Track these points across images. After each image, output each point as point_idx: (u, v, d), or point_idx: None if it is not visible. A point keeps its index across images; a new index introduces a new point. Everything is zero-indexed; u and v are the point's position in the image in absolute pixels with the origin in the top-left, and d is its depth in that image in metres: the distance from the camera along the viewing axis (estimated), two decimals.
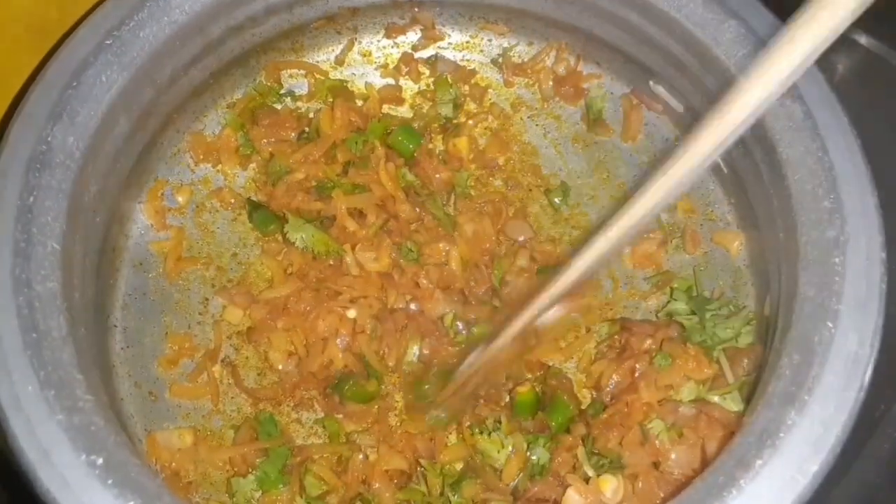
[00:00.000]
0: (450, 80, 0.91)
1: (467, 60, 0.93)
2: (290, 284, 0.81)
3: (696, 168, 0.49)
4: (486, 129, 0.91)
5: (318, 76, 0.91)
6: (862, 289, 0.61)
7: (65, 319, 0.61)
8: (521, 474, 0.72)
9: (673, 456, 0.66)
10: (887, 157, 0.70)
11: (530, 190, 0.88)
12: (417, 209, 0.84)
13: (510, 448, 0.72)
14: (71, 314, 0.63)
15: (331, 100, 0.89)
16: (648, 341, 0.72)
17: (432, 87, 0.92)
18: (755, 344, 0.73)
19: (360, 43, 0.92)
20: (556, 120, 0.91)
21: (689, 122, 0.85)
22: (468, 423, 0.75)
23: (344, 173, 0.85)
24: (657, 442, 0.66)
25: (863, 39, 0.97)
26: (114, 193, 0.77)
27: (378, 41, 0.93)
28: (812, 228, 0.65)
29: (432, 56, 0.93)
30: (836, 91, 0.70)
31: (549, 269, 0.83)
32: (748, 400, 0.69)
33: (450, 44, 0.93)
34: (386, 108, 0.91)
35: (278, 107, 0.90)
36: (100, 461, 0.55)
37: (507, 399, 0.77)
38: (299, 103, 0.90)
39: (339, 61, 0.92)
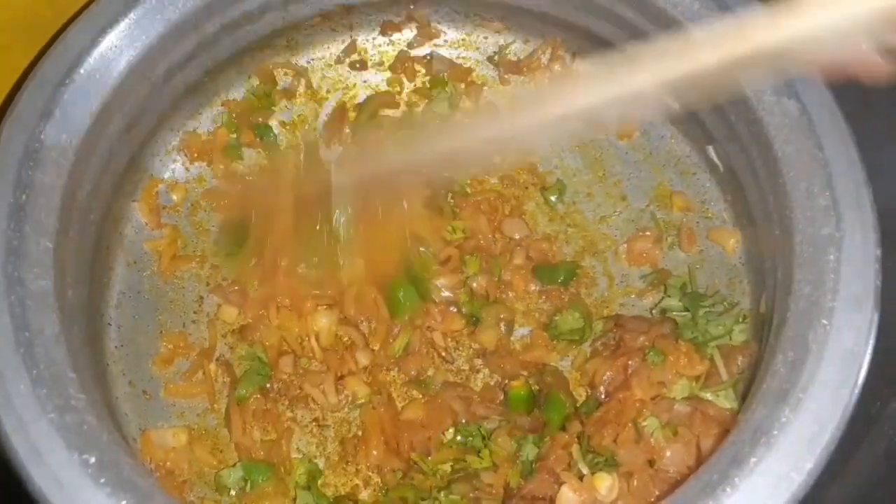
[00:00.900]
0: (445, 77, 0.91)
1: (463, 58, 0.93)
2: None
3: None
4: None
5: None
6: (857, 286, 0.61)
7: (57, 318, 0.61)
8: (513, 472, 0.71)
9: (668, 454, 0.66)
10: (882, 155, 0.70)
11: (526, 188, 0.88)
12: None
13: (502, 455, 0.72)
14: (64, 312, 0.62)
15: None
16: (642, 338, 0.72)
17: (428, 84, 0.92)
18: (749, 341, 0.73)
19: (355, 40, 0.92)
20: None
21: (685, 119, 0.85)
22: (464, 420, 0.75)
23: None
24: (652, 440, 0.66)
25: None
26: (107, 191, 0.77)
27: (373, 38, 0.93)
28: (807, 226, 0.65)
29: (428, 54, 0.93)
30: (831, 88, 0.69)
31: (545, 268, 0.83)
32: (743, 397, 0.69)
33: (445, 41, 0.93)
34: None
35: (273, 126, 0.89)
36: (92, 460, 0.55)
37: (502, 397, 0.77)
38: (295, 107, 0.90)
39: (337, 59, 0.92)
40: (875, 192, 0.65)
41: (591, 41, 0.88)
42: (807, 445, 0.56)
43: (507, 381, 0.78)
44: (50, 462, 0.55)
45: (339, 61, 0.92)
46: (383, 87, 0.92)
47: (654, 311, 0.81)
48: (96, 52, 0.72)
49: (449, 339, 0.80)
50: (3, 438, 0.56)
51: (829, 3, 0.46)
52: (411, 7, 0.90)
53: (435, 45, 0.93)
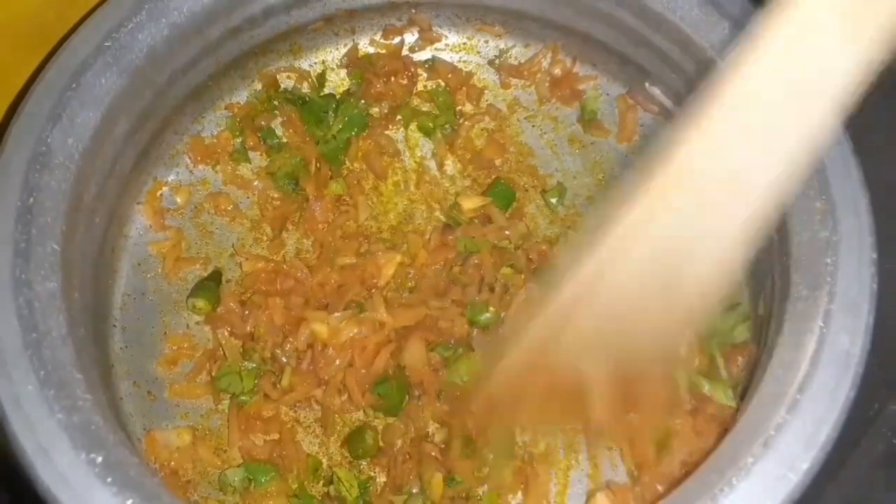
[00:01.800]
0: (446, 82, 0.92)
1: (464, 62, 0.94)
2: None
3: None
4: (482, 130, 0.92)
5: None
6: (853, 289, 0.62)
7: (64, 319, 0.62)
8: None
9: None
10: (879, 158, 0.70)
11: (526, 190, 0.89)
12: None
13: None
14: (71, 314, 0.63)
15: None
16: None
17: (429, 88, 0.93)
18: (749, 342, 0.73)
19: (357, 44, 0.93)
20: (552, 121, 0.92)
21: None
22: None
23: None
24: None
25: None
26: (113, 194, 0.78)
27: (376, 43, 0.93)
28: (804, 229, 0.65)
29: (429, 58, 0.93)
30: None
31: (545, 270, 0.84)
32: (741, 398, 0.69)
33: (447, 45, 0.94)
34: None
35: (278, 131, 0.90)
36: (99, 459, 0.56)
37: None
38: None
39: (339, 63, 0.93)
40: (871, 196, 0.66)
41: (591, 45, 0.89)
42: (803, 446, 0.57)
43: None
44: (57, 462, 0.56)
45: (341, 65, 0.93)
46: None
47: None
48: (102, 58, 0.72)
49: None
50: (12, 438, 0.57)
51: None
52: (413, 11, 0.91)
53: (436, 49, 0.94)
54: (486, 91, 0.93)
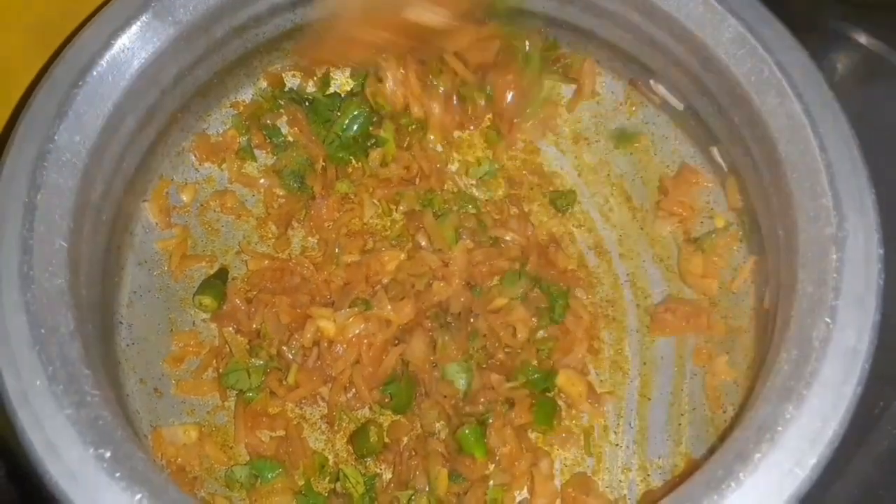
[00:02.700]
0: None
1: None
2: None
3: None
4: (488, 129, 0.92)
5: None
6: (859, 285, 0.62)
7: (72, 316, 0.62)
8: None
9: None
10: (885, 155, 0.70)
11: (531, 188, 0.89)
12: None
13: None
14: (78, 310, 0.63)
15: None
16: None
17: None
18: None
19: None
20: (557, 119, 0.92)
21: (689, 120, 0.86)
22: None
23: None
24: None
25: (862, 38, 0.98)
26: (119, 192, 0.78)
27: None
28: (810, 225, 0.65)
29: None
30: (834, 90, 0.70)
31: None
32: (747, 395, 0.69)
33: None
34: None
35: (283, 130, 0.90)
36: (108, 454, 0.56)
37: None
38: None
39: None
40: (877, 193, 0.66)
41: (596, 43, 0.89)
42: (810, 442, 0.57)
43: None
44: (66, 457, 0.56)
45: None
46: None
47: (659, 308, 0.82)
48: (108, 55, 0.73)
49: None
50: (20, 434, 0.57)
51: None
52: None
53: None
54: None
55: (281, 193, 0.88)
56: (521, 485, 0.75)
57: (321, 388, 0.79)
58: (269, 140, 0.89)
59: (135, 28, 0.74)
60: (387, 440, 0.77)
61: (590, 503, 0.73)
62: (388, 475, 0.77)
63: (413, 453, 0.76)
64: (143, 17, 0.75)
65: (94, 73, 0.72)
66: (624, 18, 0.83)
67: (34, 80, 0.77)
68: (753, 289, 0.79)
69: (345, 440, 0.78)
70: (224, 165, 0.89)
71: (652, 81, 0.87)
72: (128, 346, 0.80)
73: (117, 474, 0.56)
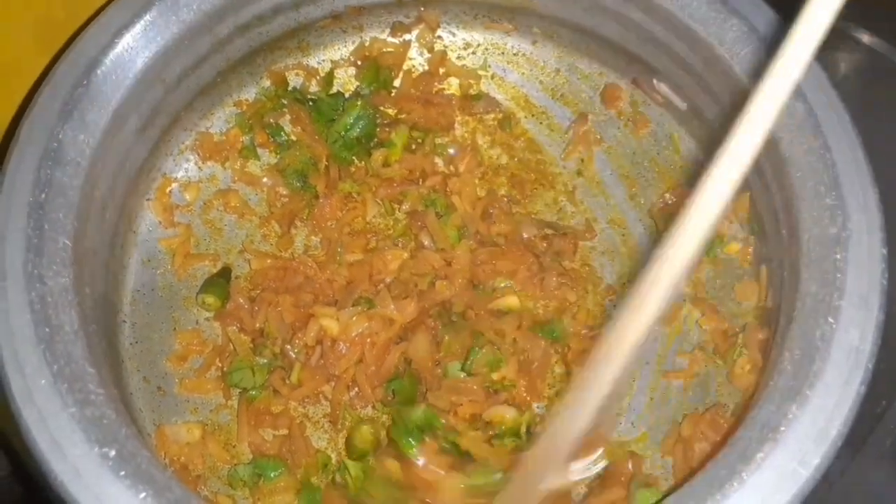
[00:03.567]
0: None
1: (472, 59, 0.94)
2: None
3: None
4: (490, 124, 0.92)
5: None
6: (863, 285, 0.62)
7: (77, 314, 0.62)
8: None
9: None
10: (889, 155, 0.70)
11: (535, 187, 0.89)
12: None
13: None
14: (83, 309, 0.63)
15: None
16: None
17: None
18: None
19: (365, 42, 0.93)
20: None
21: (692, 119, 0.86)
22: None
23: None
24: None
25: (865, 37, 0.98)
26: (122, 190, 0.78)
27: (383, 40, 0.93)
28: (814, 225, 0.65)
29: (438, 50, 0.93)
30: (837, 89, 0.70)
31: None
32: (751, 395, 0.69)
33: (454, 43, 0.94)
34: None
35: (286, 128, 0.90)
36: (112, 453, 0.56)
37: None
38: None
39: (347, 61, 0.93)
40: (881, 192, 0.66)
41: (599, 42, 0.89)
42: (813, 441, 0.57)
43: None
44: (70, 455, 0.56)
45: (349, 63, 0.93)
46: None
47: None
48: (112, 54, 0.73)
49: None
50: (25, 432, 0.57)
51: None
52: (421, 9, 0.91)
53: (444, 46, 0.94)
54: (491, 88, 0.93)
55: (284, 192, 0.88)
56: None
57: (324, 387, 0.79)
58: (272, 139, 0.89)
59: (139, 27, 0.74)
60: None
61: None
62: None
63: None
64: (147, 16, 0.75)
65: (98, 72, 0.72)
66: (626, 17, 0.83)
67: (38, 80, 0.77)
68: (757, 289, 0.79)
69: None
70: (227, 164, 0.89)
71: (655, 81, 0.87)
72: (131, 344, 0.80)
73: (122, 472, 0.56)
